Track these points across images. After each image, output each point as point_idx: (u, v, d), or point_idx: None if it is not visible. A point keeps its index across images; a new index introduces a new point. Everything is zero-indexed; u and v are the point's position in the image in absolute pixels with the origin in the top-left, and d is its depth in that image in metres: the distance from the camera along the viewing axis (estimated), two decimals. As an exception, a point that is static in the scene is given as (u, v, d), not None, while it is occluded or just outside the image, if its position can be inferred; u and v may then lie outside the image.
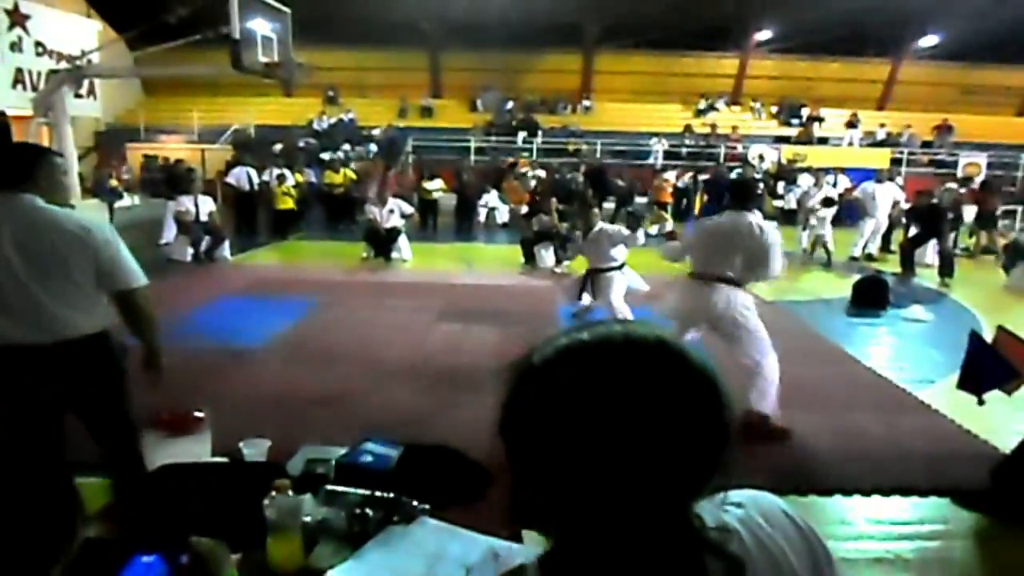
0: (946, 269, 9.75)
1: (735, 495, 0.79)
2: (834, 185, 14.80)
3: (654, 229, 14.18)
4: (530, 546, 1.56)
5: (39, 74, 11.25)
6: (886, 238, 12.13)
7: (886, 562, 2.96)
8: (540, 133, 21.27)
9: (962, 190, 12.68)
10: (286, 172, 12.96)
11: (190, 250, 9.78)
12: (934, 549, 3.08)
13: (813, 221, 11.35)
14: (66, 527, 0.93)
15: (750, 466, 3.44)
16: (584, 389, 0.67)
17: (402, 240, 10.51)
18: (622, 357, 0.68)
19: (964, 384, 3.68)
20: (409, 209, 11.10)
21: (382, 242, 10.34)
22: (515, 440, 0.71)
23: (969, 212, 12.18)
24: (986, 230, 11.89)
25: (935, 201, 10.57)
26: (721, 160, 18.89)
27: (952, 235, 10.73)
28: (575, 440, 0.66)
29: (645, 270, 10.30)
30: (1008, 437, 3.81)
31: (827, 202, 11.39)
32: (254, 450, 2.06)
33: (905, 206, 11.56)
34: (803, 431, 4.21)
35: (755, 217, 4.16)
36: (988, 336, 3.73)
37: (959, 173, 18.76)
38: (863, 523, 3.26)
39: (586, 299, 6.45)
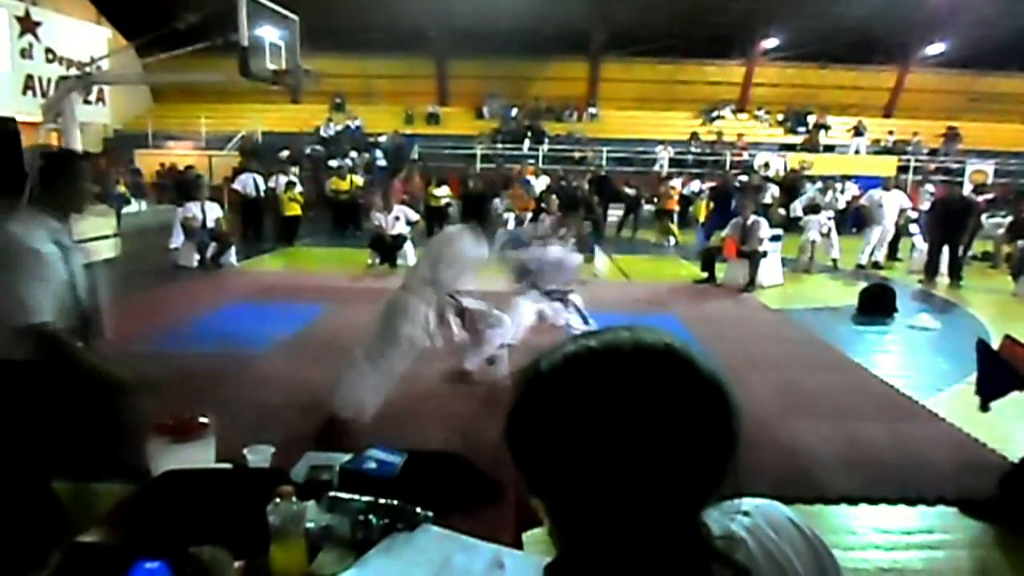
0: (956, 271, 9.72)
1: (742, 503, 0.78)
2: (841, 192, 14.77)
3: (663, 240, 14.25)
4: (534, 554, 1.56)
5: (49, 80, 11.31)
6: (893, 246, 12.10)
7: (893, 571, 2.94)
8: (546, 140, 21.32)
9: (979, 198, 12.59)
10: (294, 179, 13.02)
11: (197, 256, 9.82)
12: (941, 559, 3.06)
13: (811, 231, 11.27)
14: (49, 533, 0.92)
15: (757, 474, 3.43)
16: (592, 397, 0.66)
17: (408, 247, 10.52)
18: (630, 365, 0.68)
19: (981, 390, 3.63)
20: (415, 216, 11.13)
21: (388, 249, 10.35)
22: (522, 447, 0.71)
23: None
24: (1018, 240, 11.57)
25: (964, 196, 10.51)
26: (727, 168, 18.90)
27: (971, 240, 10.65)
28: (582, 448, 0.66)
29: (648, 277, 10.36)
30: (1016, 446, 3.79)
31: (812, 209, 11.42)
32: (258, 456, 2.06)
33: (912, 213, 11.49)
34: (809, 439, 4.19)
35: (465, 229, 4.25)
36: (995, 345, 3.71)
37: (966, 181, 18.70)
38: (870, 532, 3.24)
39: None
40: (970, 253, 11.52)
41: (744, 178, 15.60)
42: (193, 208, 9.91)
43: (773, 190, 16.11)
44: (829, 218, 11.29)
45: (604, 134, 21.94)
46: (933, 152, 21.63)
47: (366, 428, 3.83)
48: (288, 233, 12.66)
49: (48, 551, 0.93)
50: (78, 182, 2.59)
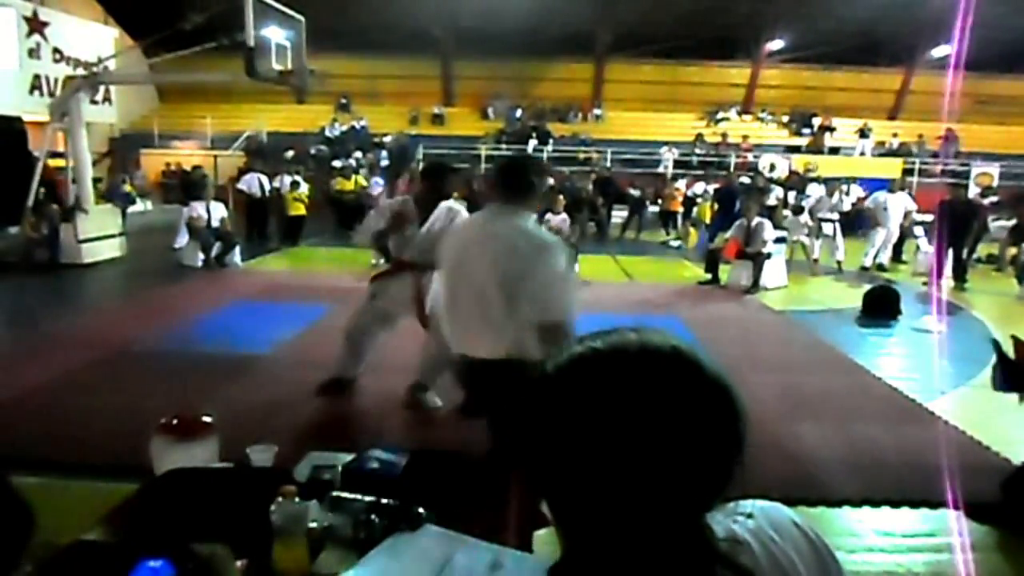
0: (961, 273, 9.70)
1: (745, 506, 0.78)
2: (846, 194, 14.75)
3: (677, 243, 14.28)
4: (539, 555, 1.56)
5: (56, 80, 11.37)
6: (897, 248, 12.07)
7: (896, 575, 2.93)
8: (551, 141, 21.31)
9: (985, 200, 12.57)
10: (298, 179, 13.04)
11: (201, 255, 9.83)
12: (944, 562, 3.05)
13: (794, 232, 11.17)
14: (15, 532, 0.91)
15: (760, 476, 3.42)
16: (598, 399, 0.66)
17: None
18: (636, 366, 0.68)
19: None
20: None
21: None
22: (527, 448, 0.71)
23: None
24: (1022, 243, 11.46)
25: (971, 197, 10.49)
26: (731, 169, 18.87)
27: (975, 242, 10.61)
28: (587, 449, 0.65)
29: (652, 278, 10.35)
30: (1019, 449, 3.77)
31: (796, 210, 11.44)
32: (261, 456, 2.06)
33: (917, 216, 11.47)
34: (812, 441, 4.19)
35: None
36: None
37: (971, 183, 18.65)
38: (873, 535, 3.23)
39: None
40: (975, 256, 11.48)
41: (748, 180, 15.57)
42: (198, 208, 9.93)
43: (778, 192, 16.09)
44: (825, 220, 11.29)
45: (609, 135, 21.92)
46: (937, 155, 21.58)
47: (369, 428, 3.84)
48: (292, 233, 12.67)
49: (18, 550, 0.92)
50: (543, 187, 2.71)
